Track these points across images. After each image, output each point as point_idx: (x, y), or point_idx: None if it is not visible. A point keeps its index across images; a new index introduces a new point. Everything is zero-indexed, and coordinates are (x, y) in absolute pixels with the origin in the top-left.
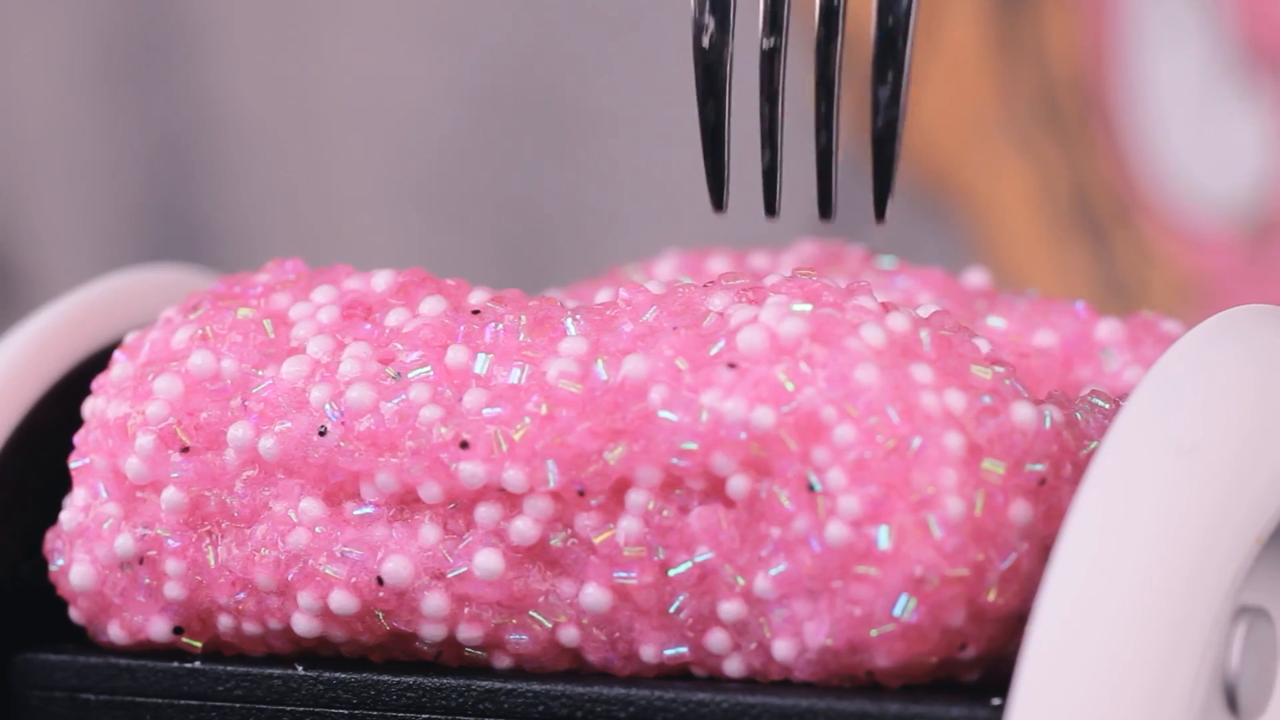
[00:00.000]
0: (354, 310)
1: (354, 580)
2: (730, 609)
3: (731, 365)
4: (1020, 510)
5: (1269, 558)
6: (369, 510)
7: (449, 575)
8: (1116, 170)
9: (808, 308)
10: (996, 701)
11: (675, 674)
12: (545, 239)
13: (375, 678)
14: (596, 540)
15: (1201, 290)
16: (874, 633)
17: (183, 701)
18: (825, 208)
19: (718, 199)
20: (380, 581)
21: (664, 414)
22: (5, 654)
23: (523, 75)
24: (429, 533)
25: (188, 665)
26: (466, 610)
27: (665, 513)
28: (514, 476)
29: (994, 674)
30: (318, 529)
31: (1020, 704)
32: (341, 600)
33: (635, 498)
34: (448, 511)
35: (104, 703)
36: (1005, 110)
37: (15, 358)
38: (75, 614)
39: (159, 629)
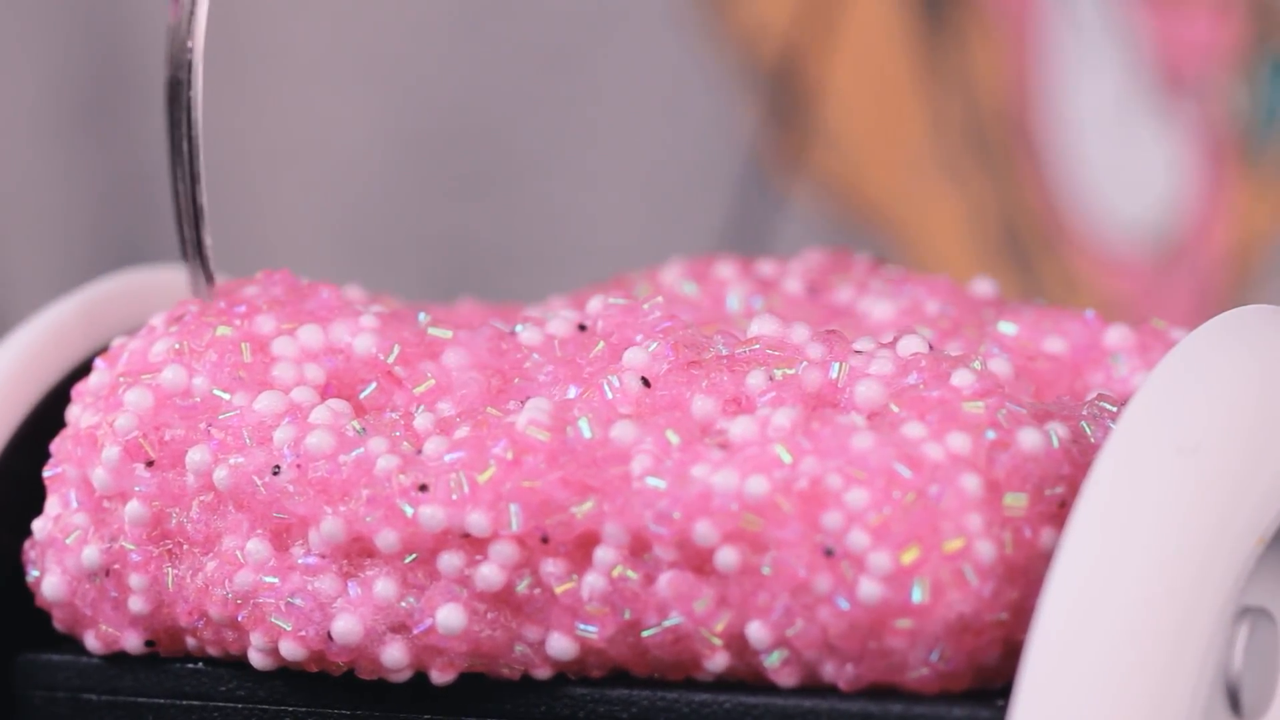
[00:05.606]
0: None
1: (302, 633)
2: (717, 662)
3: (723, 446)
4: (1048, 538)
5: (1271, 558)
6: (313, 561)
7: (414, 631)
8: (1041, 199)
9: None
10: (1000, 702)
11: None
12: (476, 280)
13: (376, 678)
14: (559, 590)
15: (1122, 314)
16: (909, 675)
17: (185, 702)
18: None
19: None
20: (330, 637)
21: (651, 481)
22: (8, 655)
23: (455, 117)
24: (385, 588)
25: (190, 665)
26: (437, 660)
27: (631, 575)
28: (478, 520)
29: None
30: (264, 576)
31: (1022, 704)
32: (291, 649)
33: (602, 555)
34: (406, 566)
35: (106, 703)
36: (935, 141)
37: (18, 357)
38: (56, 624)
39: (132, 642)
